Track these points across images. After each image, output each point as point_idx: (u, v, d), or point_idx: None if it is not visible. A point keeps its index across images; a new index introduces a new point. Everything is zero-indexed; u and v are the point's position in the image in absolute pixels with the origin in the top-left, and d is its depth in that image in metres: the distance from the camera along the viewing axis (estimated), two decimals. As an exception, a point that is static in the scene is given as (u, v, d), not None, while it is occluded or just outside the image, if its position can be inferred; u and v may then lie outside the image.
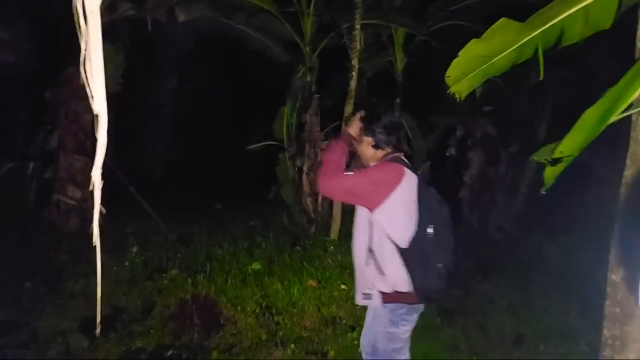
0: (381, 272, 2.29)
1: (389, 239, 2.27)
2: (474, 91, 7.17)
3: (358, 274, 2.46)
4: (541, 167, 7.28)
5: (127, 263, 5.41)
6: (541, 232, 6.81)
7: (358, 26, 5.63)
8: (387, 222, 2.27)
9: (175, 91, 8.46)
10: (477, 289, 5.26)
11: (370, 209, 2.30)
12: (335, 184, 2.31)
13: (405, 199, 2.29)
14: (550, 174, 2.07)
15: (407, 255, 2.25)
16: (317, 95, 6.89)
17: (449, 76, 2.14)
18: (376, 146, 2.42)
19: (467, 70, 2.12)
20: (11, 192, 6.57)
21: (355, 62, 5.77)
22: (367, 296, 2.38)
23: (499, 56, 2.07)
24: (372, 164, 2.44)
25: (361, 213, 2.39)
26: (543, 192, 2.18)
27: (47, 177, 6.73)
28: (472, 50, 2.05)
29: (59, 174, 6.70)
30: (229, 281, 4.92)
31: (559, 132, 7.06)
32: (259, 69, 7.84)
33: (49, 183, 6.69)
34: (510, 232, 6.81)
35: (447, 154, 7.00)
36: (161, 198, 7.84)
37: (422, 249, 2.25)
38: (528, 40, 1.98)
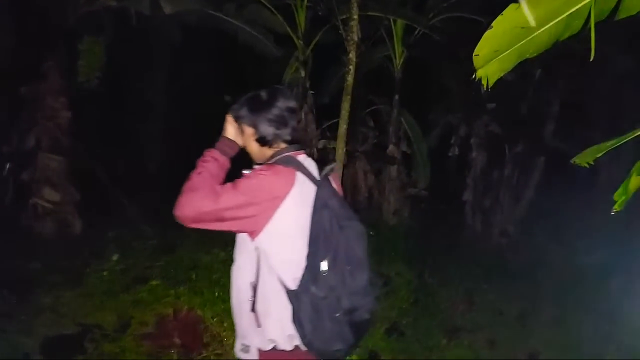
0: (258, 323, 1.69)
1: (276, 275, 1.64)
2: (478, 88, 6.74)
3: (237, 319, 1.84)
4: (547, 167, 6.85)
5: (105, 273, 4.99)
6: (546, 236, 6.46)
7: (356, 16, 5.23)
8: (272, 252, 1.64)
9: (161, 88, 8.05)
10: (484, 300, 4.89)
11: (250, 235, 1.67)
12: (195, 207, 1.60)
13: (297, 217, 1.62)
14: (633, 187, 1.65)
15: (296, 299, 1.61)
16: (312, 92, 6.49)
17: (477, 54, 1.72)
18: (261, 141, 1.76)
19: (500, 47, 1.69)
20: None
21: (352, 55, 5.36)
22: (246, 348, 1.77)
23: (542, 29, 1.62)
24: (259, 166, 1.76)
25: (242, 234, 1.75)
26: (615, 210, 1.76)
27: (24, 178, 6.28)
28: (509, 19, 1.60)
29: (36, 175, 6.29)
30: (217, 292, 4.51)
31: (566, 131, 6.67)
32: (250, 64, 7.45)
33: (26, 185, 6.26)
34: (514, 236, 6.44)
35: (450, 154, 6.61)
36: (147, 200, 7.44)
37: (315, 292, 1.60)
38: (579, 8, 1.56)
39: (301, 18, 6.28)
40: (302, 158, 1.74)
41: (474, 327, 4.31)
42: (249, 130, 1.77)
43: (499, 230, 6.44)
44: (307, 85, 6.46)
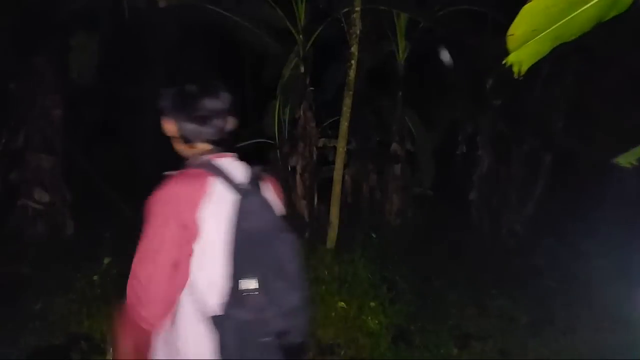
0: (176, 351, 1.42)
1: (195, 299, 1.42)
2: (483, 83, 6.52)
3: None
4: (557, 165, 6.63)
5: (95, 277, 4.76)
6: (556, 237, 6.23)
7: (358, 8, 5.01)
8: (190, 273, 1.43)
9: (156, 85, 7.82)
10: (493, 305, 4.67)
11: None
12: (148, 295, 1.38)
13: (215, 231, 1.40)
14: None
15: (219, 326, 1.39)
16: (312, 88, 6.26)
17: (512, 34, 1.48)
18: (183, 139, 1.58)
19: (539, 27, 1.44)
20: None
21: (354, 49, 5.15)
22: None
23: (586, 6, 1.39)
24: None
25: None
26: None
27: (13, 178, 6.07)
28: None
29: (25, 175, 6.08)
30: (212, 298, 4.30)
31: (575, 127, 6.43)
32: (248, 60, 7.22)
33: (15, 185, 6.05)
34: (523, 237, 6.22)
35: (457, 153, 6.39)
36: (143, 200, 7.22)
37: (240, 316, 1.38)
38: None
39: (301, 12, 6.06)
40: (227, 162, 1.52)
41: (484, 334, 4.09)
42: (171, 126, 1.57)
43: (507, 230, 6.23)
44: (307, 81, 6.24)
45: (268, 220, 1.44)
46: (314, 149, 6.22)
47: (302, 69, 6.24)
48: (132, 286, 1.40)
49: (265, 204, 1.46)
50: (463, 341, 3.87)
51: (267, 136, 6.49)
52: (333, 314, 4.13)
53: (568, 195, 6.57)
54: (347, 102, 5.32)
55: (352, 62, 5.28)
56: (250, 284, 1.36)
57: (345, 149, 5.29)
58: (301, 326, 1.46)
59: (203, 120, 1.52)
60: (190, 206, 1.38)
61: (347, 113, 5.30)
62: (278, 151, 6.52)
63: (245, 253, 1.38)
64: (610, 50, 5.72)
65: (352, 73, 5.33)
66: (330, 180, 5.45)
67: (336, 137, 5.57)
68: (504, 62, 1.58)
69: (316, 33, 6.18)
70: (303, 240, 5.72)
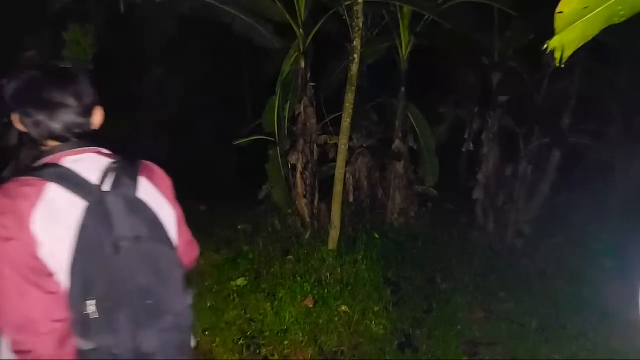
0: None
1: None
2: (489, 78, 6.28)
3: None
4: (565, 162, 6.39)
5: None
6: (565, 237, 6.06)
7: (360, 1, 4.82)
8: None
9: (152, 80, 7.64)
10: (501, 309, 4.49)
11: None
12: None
13: (50, 247, 1.17)
14: None
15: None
16: (312, 84, 6.06)
17: (561, 11, 1.28)
18: (30, 136, 1.36)
19: (591, 3, 1.25)
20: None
21: (357, 42, 4.97)
22: None
23: None
24: None
25: None
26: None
27: (5, 177, 5.87)
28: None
29: (17, 175, 5.88)
30: (208, 302, 4.13)
31: (585, 123, 6.18)
32: (246, 55, 7.03)
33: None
34: (530, 237, 6.04)
35: (462, 149, 6.19)
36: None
37: (82, 344, 1.18)
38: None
39: (301, 5, 5.86)
40: (79, 161, 1.27)
41: (493, 339, 3.92)
42: (17, 121, 1.35)
43: (513, 230, 6.04)
44: (308, 76, 6.04)
45: (119, 225, 1.20)
46: (315, 146, 6.03)
47: (302, 64, 6.05)
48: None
49: (131, 207, 1.24)
50: (471, 347, 3.70)
51: (266, 133, 6.28)
52: (336, 318, 3.96)
53: (577, 194, 6.39)
54: (349, 97, 5.13)
55: (355, 56, 5.09)
56: (90, 306, 1.14)
57: (347, 146, 5.11)
58: (166, 349, 1.26)
59: (48, 112, 1.27)
60: (18, 221, 1.15)
61: (349, 109, 5.11)
62: (277, 148, 6.30)
63: (86, 267, 1.15)
64: (622, 42, 5.52)
65: (354, 67, 5.14)
66: (331, 178, 5.28)
67: (337, 133, 5.40)
68: (544, 46, 1.37)
69: (317, 27, 5.98)
70: (304, 240, 5.55)
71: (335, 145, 5.56)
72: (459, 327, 4.06)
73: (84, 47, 6.03)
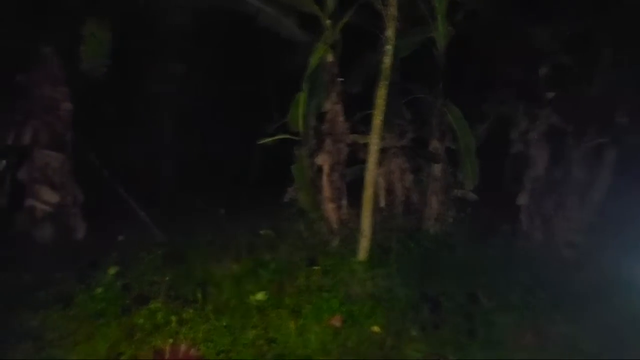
0: None
1: None
2: (536, 73, 5.64)
3: None
4: (620, 166, 5.68)
5: (100, 290, 4.27)
6: (621, 248, 5.41)
7: (395, -14, 4.35)
8: None
9: (174, 77, 7.34)
10: (554, 332, 3.94)
11: None
12: None
13: None
14: None
15: None
16: (341, 79, 5.67)
17: None
18: None
19: None
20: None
21: (391, 32, 4.50)
22: None
23: None
24: None
25: None
26: None
27: (19, 177, 5.67)
28: None
29: (33, 174, 5.67)
30: (225, 320, 3.73)
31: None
32: (271, 49, 6.64)
33: (21, 185, 5.65)
34: (583, 248, 5.42)
35: (506, 151, 5.63)
36: (159, 201, 6.78)
37: None
38: None
39: (329, -6, 5.43)
40: None
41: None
42: None
43: (563, 240, 5.44)
44: (336, 71, 5.61)
45: None
46: (344, 146, 5.58)
47: (331, 58, 5.63)
48: None
49: None
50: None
51: (292, 132, 5.82)
52: (367, 341, 3.50)
53: (635, 199, 5.72)
54: (382, 93, 4.68)
55: (389, 47, 4.63)
56: None
57: (379, 147, 4.65)
58: None
59: None
60: None
61: (382, 106, 4.67)
62: (303, 148, 5.88)
63: None
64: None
65: (387, 60, 4.69)
66: (360, 181, 4.84)
67: (368, 132, 4.96)
68: None
69: (346, 17, 5.53)
70: (331, 249, 5.11)
71: (366, 145, 5.09)
72: (505, 352, 3.55)
73: (100, 42, 5.75)
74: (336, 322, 3.77)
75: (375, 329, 3.71)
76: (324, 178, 5.64)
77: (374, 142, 4.64)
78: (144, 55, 6.75)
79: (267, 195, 6.51)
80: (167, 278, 4.47)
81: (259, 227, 5.89)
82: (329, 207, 5.52)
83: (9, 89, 5.53)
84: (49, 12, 5.56)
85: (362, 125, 5.74)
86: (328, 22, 5.61)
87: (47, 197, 5.68)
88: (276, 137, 6.16)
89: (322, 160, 5.67)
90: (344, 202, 5.60)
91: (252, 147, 6.77)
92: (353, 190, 5.49)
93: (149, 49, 6.77)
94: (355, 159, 5.83)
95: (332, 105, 5.64)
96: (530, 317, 4.14)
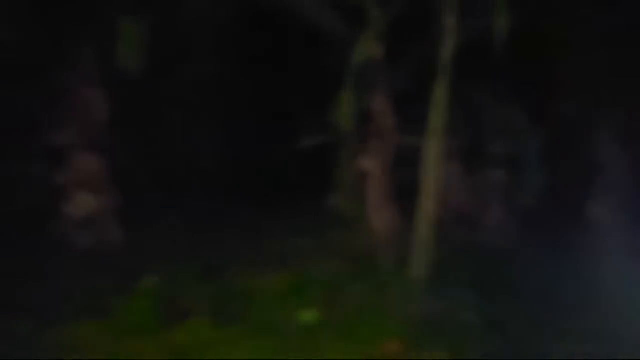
0: None
1: None
2: (608, 69, 5.03)
3: None
4: None
5: (138, 301, 4.06)
6: None
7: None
8: None
9: (207, 76, 7.16)
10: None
11: None
12: None
13: None
14: None
15: None
16: (390, 75, 5.38)
17: None
18: None
19: None
20: (9, 201, 5.43)
21: (450, 20, 4.06)
22: None
23: None
24: None
25: None
26: None
27: (55, 182, 5.57)
28: None
29: (69, 178, 5.58)
30: (273, 341, 3.42)
31: None
32: (311, 43, 6.39)
33: (57, 190, 5.55)
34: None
35: (572, 156, 5.13)
36: (200, 207, 6.60)
37: None
38: None
39: (377, -19, 5.06)
40: None
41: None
42: None
43: (641, 256, 4.87)
44: (384, 66, 5.25)
45: None
46: (393, 148, 5.27)
47: (378, 52, 5.26)
48: None
49: None
50: None
51: (335, 133, 5.61)
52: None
53: None
54: (441, 91, 4.27)
55: (449, 39, 4.20)
56: None
57: (440, 150, 4.23)
58: None
59: None
60: None
61: (441, 105, 4.24)
62: (347, 151, 5.70)
63: None
64: None
65: (447, 54, 4.25)
66: (410, 187, 4.45)
67: (418, 134, 4.58)
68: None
69: (396, 6, 5.15)
70: (381, 263, 4.72)
71: (417, 148, 4.70)
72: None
73: (138, 40, 5.61)
74: (395, 347, 3.39)
75: (438, 355, 3.30)
76: (371, 184, 5.29)
77: (433, 145, 4.22)
78: (182, 53, 6.62)
79: (307, 203, 6.23)
80: (209, 291, 4.28)
81: (300, 238, 5.61)
82: (377, 218, 5.17)
83: (45, 91, 5.46)
84: (83, 11, 5.45)
85: (411, 125, 5.36)
86: (375, 12, 5.24)
87: (83, 202, 5.60)
88: (317, 140, 5.94)
89: (369, 164, 5.34)
90: (393, 210, 5.21)
91: (290, 151, 6.51)
92: (402, 197, 5.13)
93: (186, 46, 6.62)
94: (404, 162, 5.47)
95: (380, 104, 5.34)
96: (614, 348, 3.59)
